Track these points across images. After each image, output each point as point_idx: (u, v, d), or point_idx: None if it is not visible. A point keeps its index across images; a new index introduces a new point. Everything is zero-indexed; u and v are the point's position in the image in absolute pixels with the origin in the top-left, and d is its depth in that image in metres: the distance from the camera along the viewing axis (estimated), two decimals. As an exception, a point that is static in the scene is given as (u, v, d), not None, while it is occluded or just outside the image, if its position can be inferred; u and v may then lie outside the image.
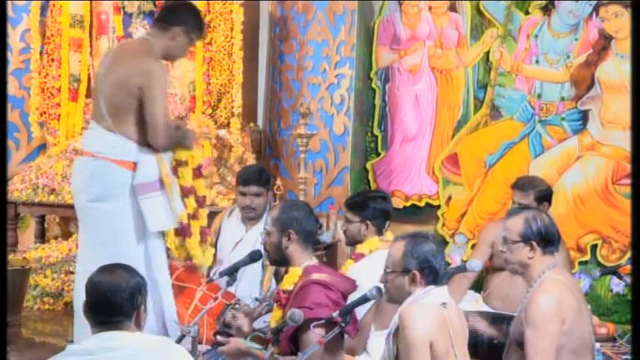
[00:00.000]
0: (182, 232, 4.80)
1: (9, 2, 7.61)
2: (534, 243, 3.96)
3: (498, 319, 5.17)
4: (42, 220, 7.28)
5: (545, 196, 5.53)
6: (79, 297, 4.74)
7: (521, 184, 5.59)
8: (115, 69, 4.69)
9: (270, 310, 4.67)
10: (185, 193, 4.85)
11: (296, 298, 4.08)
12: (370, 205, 4.80)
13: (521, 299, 4.02)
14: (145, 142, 4.62)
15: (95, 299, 3.19)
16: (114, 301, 3.18)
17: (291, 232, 4.19)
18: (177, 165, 4.84)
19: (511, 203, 5.60)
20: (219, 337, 4.25)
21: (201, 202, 4.94)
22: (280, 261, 4.32)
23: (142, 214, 4.62)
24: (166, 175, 4.70)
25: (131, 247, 4.64)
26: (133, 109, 4.62)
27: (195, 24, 4.84)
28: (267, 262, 5.30)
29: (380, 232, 4.80)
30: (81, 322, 4.57)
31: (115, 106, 4.64)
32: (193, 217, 4.85)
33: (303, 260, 4.21)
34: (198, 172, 4.91)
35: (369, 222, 4.76)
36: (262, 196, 5.50)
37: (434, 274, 3.64)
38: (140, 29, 7.17)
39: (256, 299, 5.19)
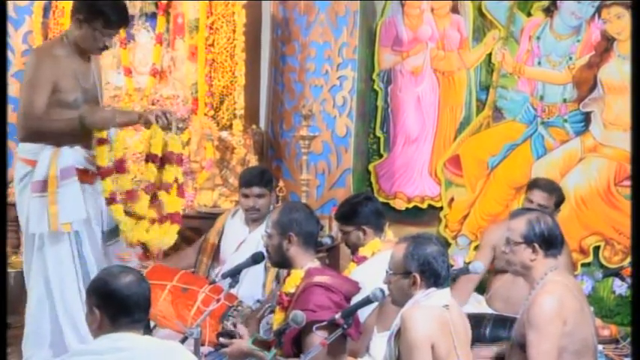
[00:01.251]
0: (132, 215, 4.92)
1: (11, 3, 7.61)
2: (536, 245, 3.96)
3: (501, 321, 5.18)
4: (44, 221, 7.28)
5: (561, 202, 5.57)
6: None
7: (545, 187, 5.58)
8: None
9: (272, 312, 4.68)
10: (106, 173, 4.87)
11: (298, 300, 4.09)
12: (359, 210, 4.79)
13: (524, 301, 4.03)
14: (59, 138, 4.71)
15: (125, 299, 3.18)
16: (143, 302, 3.22)
17: (291, 234, 4.20)
18: (98, 144, 4.86)
19: (527, 203, 5.57)
20: (221, 339, 4.26)
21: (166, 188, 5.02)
22: (282, 263, 4.33)
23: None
24: (52, 177, 4.68)
25: (30, 251, 4.86)
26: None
27: (92, 12, 4.70)
28: (270, 264, 5.32)
29: (378, 232, 4.80)
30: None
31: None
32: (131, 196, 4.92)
33: (304, 262, 4.22)
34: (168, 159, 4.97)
35: (364, 227, 4.75)
36: (265, 197, 5.51)
37: (435, 276, 3.64)
38: (142, 31, 7.18)
39: (258, 301, 5.20)
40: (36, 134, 4.71)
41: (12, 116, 7.57)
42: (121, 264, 3.49)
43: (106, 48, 4.88)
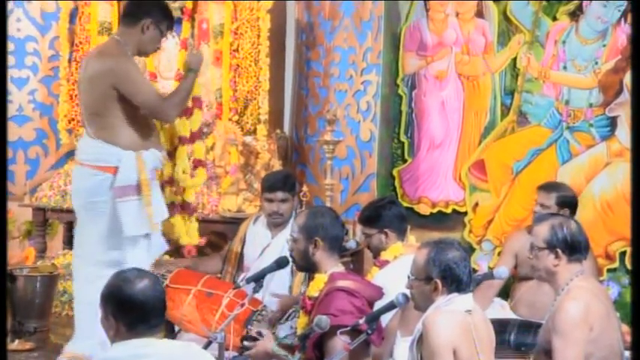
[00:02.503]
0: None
1: (38, 9, 7.67)
2: (559, 250, 3.93)
3: (526, 327, 5.15)
4: (70, 226, 7.29)
5: (567, 202, 5.52)
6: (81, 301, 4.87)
7: (546, 186, 5.65)
8: (85, 77, 4.77)
9: (297, 317, 4.68)
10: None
11: (321, 304, 4.09)
12: (382, 214, 4.79)
13: (549, 307, 4.00)
14: (130, 143, 4.70)
15: (141, 305, 3.15)
16: (159, 307, 3.19)
17: (317, 239, 4.20)
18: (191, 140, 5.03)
19: (535, 205, 5.61)
20: (246, 342, 4.27)
21: (198, 165, 5.27)
22: (307, 267, 4.33)
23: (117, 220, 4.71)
24: (144, 181, 4.73)
25: (108, 253, 4.76)
26: (111, 113, 4.69)
27: (162, 14, 4.87)
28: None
29: (401, 236, 4.79)
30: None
31: (92, 112, 4.72)
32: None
33: (329, 267, 4.22)
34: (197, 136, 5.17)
35: (387, 230, 4.75)
36: (289, 202, 5.50)
37: (457, 282, 3.62)
38: (167, 36, 7.20)
39: (277, 295, 5.20)
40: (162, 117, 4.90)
41: (40, 122, 7.65)
42: (137, 267, 3.46)
43: (159, 49, 5.12)
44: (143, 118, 4.85)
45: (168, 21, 4.93)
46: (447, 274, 3.62)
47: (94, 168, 4.73)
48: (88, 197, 4.77)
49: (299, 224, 4.29)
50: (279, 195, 5.46)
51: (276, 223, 5.51)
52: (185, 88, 4.91)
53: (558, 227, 3.97)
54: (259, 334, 4.27)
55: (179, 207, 5.24)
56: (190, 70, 4.93)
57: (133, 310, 3.14)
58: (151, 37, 4.85)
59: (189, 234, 5.25)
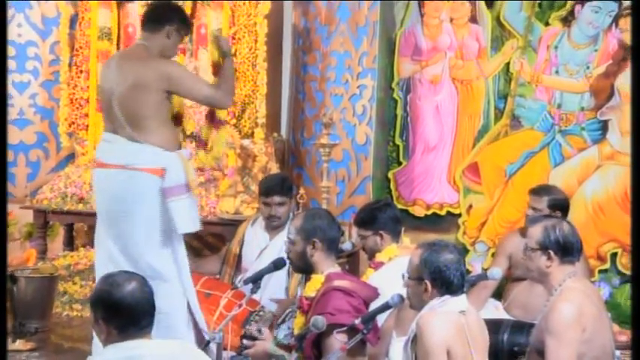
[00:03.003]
0: None
1: (38, 15, 7.67)
2: (552, 252, 3.93)
3: (519, 327, 5.14)
4: (70, 228, 7.31)
5: (558, 205, 5.53)
6: None
7: (537, 189, 5.65)
8: (129, 79, 4.69)
9: (294, 317, 4.67)
10: None
11: (318, 304, 4.08)
12: (378, 216, 4.79)
13: (542, 308, 4.00)
14: (170, 143, 4.70)
15: (130, 308, 3.12)
16: (148, 308, 3.16)
17: (315, 240, 4.20)
18: None
19: (527, 208, 5.62)
20: (245, 341, 4.26)
21: None
22: (304, 269, 4.33)
23: (169, 219, 4.64)
24: (192, 179, 4.76)
25: (160, 253, 4.66)
26: (157, 116, 4.67)
27: (182, 20, 4.91)
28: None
29: (395, 238, 4.79)
30: None
31: (137, 115, 4.65)
32: None
33: (326, 268, 4.22)
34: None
35: (381, 232, 4.75)
36: (285, 205, 5.50)
37: (447, 285, 3.61)
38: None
39: (276, 301, 5.20)
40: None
41: (41, 125, 7.65)
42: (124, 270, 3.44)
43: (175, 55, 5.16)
44: (173, 118, 4.92)
45: (187, 26, 4.99)
46: (437, 276, 3.60)
47: (143, 171, 4.66)
48: (134, 201, 4.65)
49: (296, 226, 4.28)
50: (276, 199, 5.47)
51: (273, 226, 5.52)
52: (230, 73, 4.96)
53: (551, 229, 3.96)
54: (259, 331, 4.27)
55: None
56: (226, 56, 4.95)
57: (122, 313, 3.11)
58: (173, 42, 4.87)
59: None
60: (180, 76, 4.75)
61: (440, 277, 3.60)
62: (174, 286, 4.66)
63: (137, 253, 4.64)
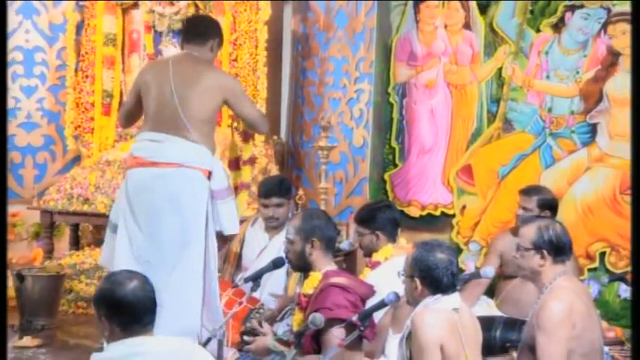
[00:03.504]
0: None
1: (46, 21, 7.68)
2: (545, 252, 3.94)
3: (511, 324, 5.16)
4: (76, 228, 7.32)
5: (547, 204, 5.55)
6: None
7: (527, 190, 5.66)
8: (192, 81, 4.75)
9: (293, 314, 4.69)
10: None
11: (316, 300, 4.10)
12: (377, 216, 4.81)
13: (533, 305, 4.01)
14: (214, 149, 4.82)
15: (132, 306, 3.12)
16: (150, 306, 3.16)
17: (314, 239, 4.21)
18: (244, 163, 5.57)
19: (517, 208, 5.64)
20: (245, 337, 4.27)
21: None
22: (303, 267, 4.33)
23: (212, 219, 4.71)
24: (231, 185, 4.94)
25: (201, 251, 4.68)
26: (211, 121, 4.82)
27: (221, 35, 5.06)
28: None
29: (392, 239, 4.80)
30: None
31: (197, 118, 4.71)
32: None
33: (323, 266, 4.23)
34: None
35: (378, 232, 4.77)
36: (284, 206, 5.51)
37: (436, 283, 3.61)
38: (169, 47, 7.22)
39: (274, 297, 5.21)
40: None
41: (48, 129, 7.66)
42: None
43: None
44: (242, 134, 5.47)
45: (222, 40, 5.14)
46: (426, 275, 3.61)
47: (199, 170, 4.70)
48: (189, 198, 4.66)
49: (295, 226, 4.29)
50: (275, 200, 5.47)
51: (272, 227, 5.52)
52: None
53: (545, 229, 3.97)
54: (260, 324, 4.28)
55: None
56: None
57: (124, 310, 3.11)
58: (214, 55, 5.03)
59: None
60: (240, 91, 4.96)
61: (429, 276, 3.61)
62: (197, 286, 4.69)
63: (171, 251, 4.63)
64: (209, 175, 4.72)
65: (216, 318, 4.66)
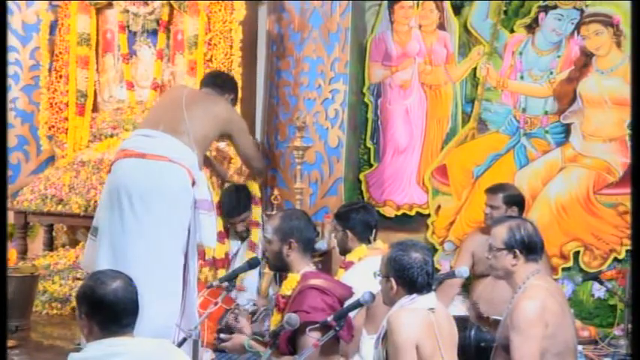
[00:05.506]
0: None
1: (19, 21, 7.62)
2: (517, 251, 3.95)
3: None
4: (50, 228, 7.27)
5: (513, 200, 5.60)
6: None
7: (492, 188, 5.75)
8: (204, 100, 5.14)
9: (267, 315, 4.67)
10: None
11: (294, 302, 4.08)
12: (350, 216, 4.85)
13: (507, 304, 4.01)
14: (201, 165, 4.90)
15: (112, 306, 3.11)
16: (130, 307, 3.15)
17: (292, 240, 4.19)
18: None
19: (484, 207, 5.67)
20: (222, 335, 4.25)
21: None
22: (280, 267, 4.32)
23: (195, 226, 4.70)
24: (213, 199, 4.87)
25: (179, 250, 4.66)
26: (206, 144, 5.06)
27: (237, 92, 5.58)
28: (265, 270, 5.32)
29: (364, 240, 4.81)
30: None
31: (199, 134, 4.87)
32: None
33: (301, 267, 4.22)
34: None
35: (348, 231, 4.80)
36: (248, 217, 5.61)
37: (410, 283, 3.62)
38: (144, 46, 7.18)
39: (253, 304, 5.20)
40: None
41: (21, 129, 7.59)
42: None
43: None
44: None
45: (237, 99, 5.64)
46: (401, 275, 3.62)
47: (187, 170, 4.70)
48: (175, 192, 4.67)
49: (274, 226, 4.27)
50: (238, 218, 5.56)
51: (243, 237, 5.60)
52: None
53: (516, 229, 3.98)
54: (236, 319, 4.26)
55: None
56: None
57: (104, 310, 3.11)
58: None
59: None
60: (242, 128, 5.38)
61: (404, 276, 3.61)
62: (171, 283, 4.65)
63: (152, 242, 4.60)
64: (194, 181, 4.72)
65: (191, 318, 4.64)
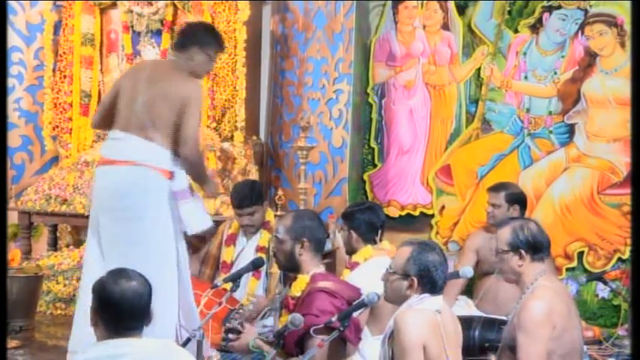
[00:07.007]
0: None
1: (23, 21, 7.61)
2: (523, 251, 3.93)
3: (489, 324, 5.16)
4: (54, 229, 7.26)
5: (515, 198, 5.59)
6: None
7: (494, 187, 5.75)
8: (158, 84, 4.70)
9: (272, 315, 4.66)
10: None
11: (302, 304, 4.06)
12: (355, 216, 4.83)
13: (514, 304, 4.00)
14: (176, 153, 4.63)
15: (117, 306, 3.08)
16: (140, 308, 3.11)
17: (304, 240, 4.17)
18: None
19: (487, 205, 5.66)
20: (230, 335, 4.24)
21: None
22: (291, 268, 4.29)
23: (178, 219, 4.63)
24: (193, 184, 4.78)
25: (168, 250, 4.61)
26: (172, 123, 4.62)
27: (208, 40, 4.85)
28: (271, 270, 5.31)
29: (369, 241, 4.79)
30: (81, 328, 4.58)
31: (157, 118, 4.63)
32: None
33: (311, 268, 4.19)
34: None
35: (352, 231, 4.78)
36: (258, 212, 5.57)
37: (431, 284, 3.62)
38: (148, 47, 7.17)
39: (252, 302, 5.19)
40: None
41: (25, 129, 7.59)
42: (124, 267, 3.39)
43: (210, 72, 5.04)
44: None
45: (215, 44, 4.88)
46: (425, 274, 3.61)
47: (155, 169, 4.61)
48: (145, 196, 4.60)
49: (285, 226, 4.24)
50: (247, 210, 5.51)
51: (249, 232, 5.56)
52: (207, 174, 5.01)
53: (520, 229, 3.97)
54: (242, 325, 4.25)
55: None
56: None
57: (108, 308, 3.09)
58: (200, 62, 4.82)
59: None
60: (193, 105, 4.64)
61: (427, 276, 3.61)
62: (167, 284, 4.62)
63: (133, 252, 4.54)
64: (171, 175, 4.63)
65: (190, 311, 4.64)
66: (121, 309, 3.08)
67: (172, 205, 4.63)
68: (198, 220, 4.72)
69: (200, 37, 4.84)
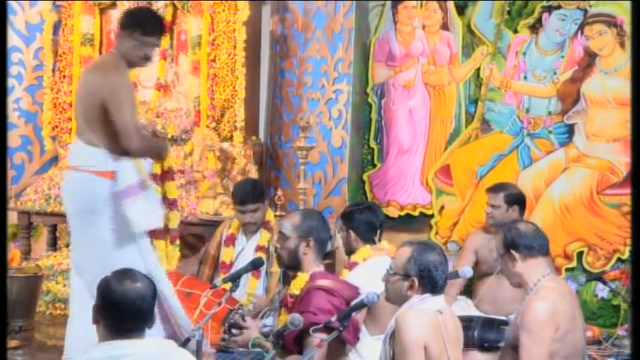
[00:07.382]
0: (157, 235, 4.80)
1: (22, 21, 7.61)
2: (512, 251, 3.94)
3: (489, 324, 5.16)
4: (54, 229, 7.25)
5: (513, 199, 5.60)
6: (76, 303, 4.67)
7: (493, 187, 5.75)
8: (83, 85, 4.68)
9: (271, 315, 4.65)
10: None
11: (301, 302, 4.07)
12: (354, 216, 4.83)
13: (516, 305, 4.00)
14: (122, 151, 4.50)
15: (117, 306, 3.06)
16: (143, 310, 3.09)
17: (310, 239, 4.18)
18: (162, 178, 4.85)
19: (486, 206, 5.67)
20: (233, 330, 4.24)
21: (172, 204, 4.93)
22: (292, 266, 4.29)
23: (125, 220, 4.50)
24: (146, 178, 4.63)
25: (121, 252, 4.50)
26: (102, 122, 4.50)
27: (132, 23, 4.64)
28: (271, 269, 5.31)
29: (367, 241, 4.79)
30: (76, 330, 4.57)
31: (87, 120, 4.56)
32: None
33: (312, 267, 4.21)
34: (169, 175, 4.90)
35: (351, 231, 4.78)
36: (260, 210, 5.56)
37: (432, 284, 3.62)
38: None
39: (253, 303, 5.19)
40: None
41: (25, 129, 7.59)
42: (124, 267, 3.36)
43: (148, 58, 4.74)
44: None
45: (140, 28, 4.61)
46: (425, 275, 3.61)
47: (92, 173, 4.53)
48: (85, 201, 4.55)
49: (293, 224, 4.25)
50: (250, 207, 5.51)
51: (250, 231, 5.55)
52: (156, 146, 4.79)
53: (507, 231, 3.99)
54: (243, 318, 4.26)
55: (163, 231, 5.05)
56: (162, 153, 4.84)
57: (108, 307, 3.07)
58: (127, 48, 4.63)
59: (169, 260, 5.06)
60: (114, 97, 4.47)
61: (427, 276, 3.61)
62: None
63: (93, 253, 4.53)
64: (112, 175, 4.52)
65: (184, 321, 4.61)
66: (124, 310, 3.06)
67: (118, 206, 4.51)
68: (147, 217, 4.57)
69: (125, 22, 4.67)
